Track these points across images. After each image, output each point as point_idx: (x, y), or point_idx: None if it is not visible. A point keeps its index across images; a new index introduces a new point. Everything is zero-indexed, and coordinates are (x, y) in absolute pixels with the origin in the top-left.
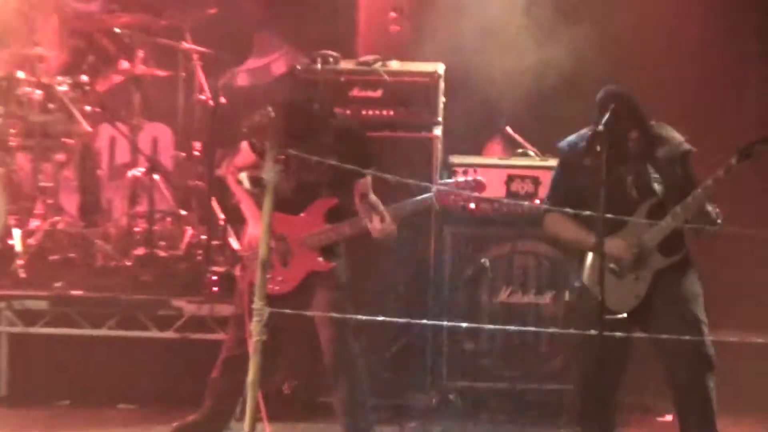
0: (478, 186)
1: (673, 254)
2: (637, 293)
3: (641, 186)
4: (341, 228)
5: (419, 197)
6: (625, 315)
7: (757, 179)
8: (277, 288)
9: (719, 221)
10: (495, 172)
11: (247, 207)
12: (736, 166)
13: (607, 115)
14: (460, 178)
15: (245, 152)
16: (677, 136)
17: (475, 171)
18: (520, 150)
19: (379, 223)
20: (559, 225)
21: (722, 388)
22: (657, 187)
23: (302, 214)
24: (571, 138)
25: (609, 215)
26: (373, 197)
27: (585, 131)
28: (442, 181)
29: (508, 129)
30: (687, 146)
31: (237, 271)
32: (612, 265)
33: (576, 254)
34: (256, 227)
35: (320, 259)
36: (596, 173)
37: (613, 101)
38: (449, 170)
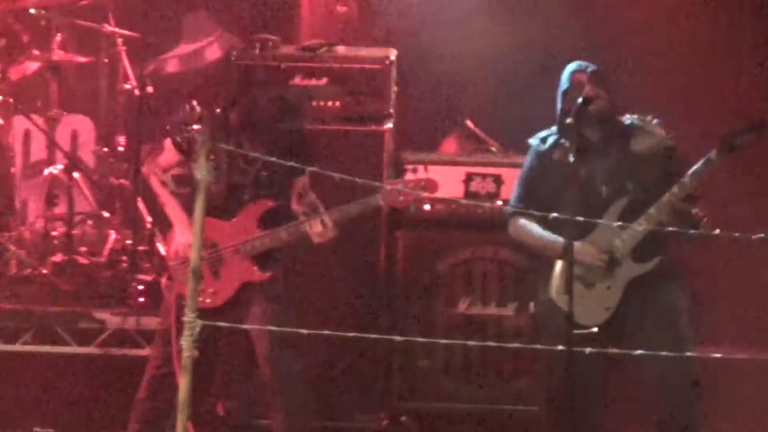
0: (430, 185)
1: (647, 261)
2: (607, 305)
3: (613, 184)
4: (277, 234)
5: (365, 199)
6: (595, 330)
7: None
8: (208, 301)
9: (702, 224)
10: (452, 170)
11: (172, 211)
12: (717, 160)
13: (578, 105)
14: (410, 177)
15: (169, 151)
16: (659, 131)
17: (425, 169)
18: (480, 146)
19: (318, 228)
20: (525, 229)
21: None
22: (630, 185)
23: (234, 219)
24: (542, 132)
25: (579, 218)
26: (312, 197)
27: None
28: (390, 181)
29: (468, 123)
30: (669, 141)
31: (162, 282)
32: (581, 273)
33: (543, 261)
34: (183, 233)
35: (255, 268)
36: (565, 169)
37: (580, 91)
38: (401, 167)
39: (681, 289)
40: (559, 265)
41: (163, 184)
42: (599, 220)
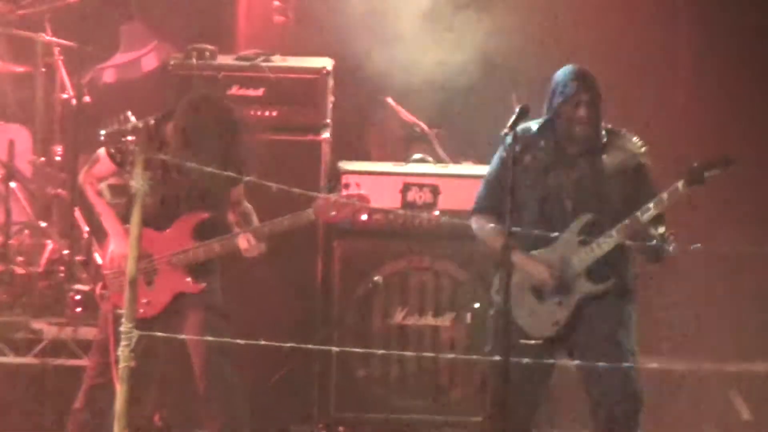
0: (362, 201)
1: (601, 281)
2: (556, 320)
3: (578, 198)
4: (210, 246)
5: (297, 213)
6: (540, 341)
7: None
8: (141, 311)
9: (670, 248)
10: (389, 180)
11: (108, 221)
12: (682, 191)
13: (515, 118)
14: (343, 192)
15: (104, 161)
16: (633, 147)
17: (357, 185)
18: (416, 155)
19: (246, 243)
20: (483, 228)
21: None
22: (595, 202)
23: (168, 230)
24: (517, 128)
25: (536, 231)
26: (246, 207)
27: (536, 121)
28: (323, 195)
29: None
30: (641, 159)
31: (97, 291)
32: (534, 285)
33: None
34: (118, 243)
35: (188, 279)
36: (533, 174)
37: (571, 86)
38: (337, 177)
39: (633, 302)
40: (517, 274)
41: (99, 193)
42: (558, 234)
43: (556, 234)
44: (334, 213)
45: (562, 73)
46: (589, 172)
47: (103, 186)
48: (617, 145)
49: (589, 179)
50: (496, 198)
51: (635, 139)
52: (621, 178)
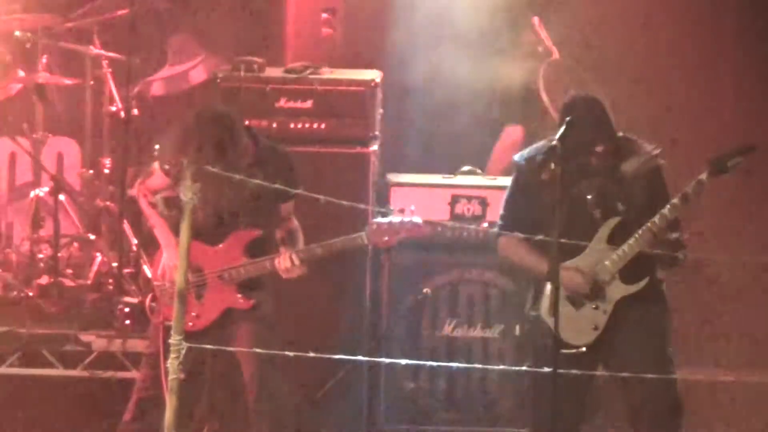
0: (414, 229)
1: (636, 282)
2: (595, 324)
3: (604, 204)
4: (262, 264)
5: (350, 236)
6: (583, 349)
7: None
8: (190, 324)
9: (681, 256)
10: (438, 192)
11: (161, 233)
12: (707, 182)
13: (564, 127)
14: (395, 219)
15: (158, 174)
16: (647, 149)
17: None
18: (465, 168)
19: (287, 263)
20: (512, 249)
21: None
22: (621, 205)
23: (220, 246)
24: (527, 150)
25: (563, 240)
26: (294, 224)
27: (543, 143)
28: (376, 220)
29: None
30: (657, 161)
31: (148, 304)
32: (569, 293)
33: (531, 282)
34: (171, 256)
35: (238, 295)
36: (554, 190)
37: (577, 110)
38: (386, 190)
39: (668, 309)
40: (548, 285)
41: (152, 205)
42: (588, 244)
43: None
44: (386, 238)
45: (570, 107)
46: (611, 179)
47: (158, 198)
48: (632, 150)
49: (611, 186)
50: (518, 218)
51: (647, 145)
52: (641, 181)
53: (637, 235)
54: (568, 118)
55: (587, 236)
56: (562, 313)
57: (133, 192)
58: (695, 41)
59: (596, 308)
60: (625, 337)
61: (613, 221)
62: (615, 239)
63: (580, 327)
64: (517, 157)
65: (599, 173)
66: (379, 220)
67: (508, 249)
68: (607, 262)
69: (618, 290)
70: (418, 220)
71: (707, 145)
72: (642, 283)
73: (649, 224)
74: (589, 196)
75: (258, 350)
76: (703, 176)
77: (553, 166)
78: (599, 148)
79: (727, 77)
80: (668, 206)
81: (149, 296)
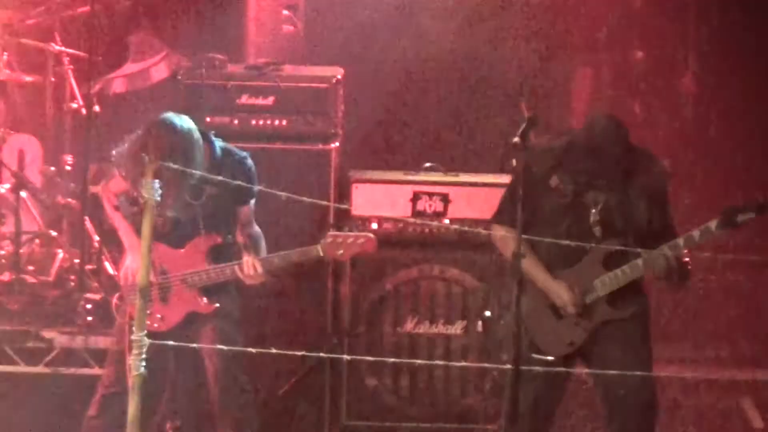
0: (369, 244)
1: (623, 308)
2: (572, 340)
3: (606, 222)
4: (223, 270)
5: (305, 248)
6: (551, 358)
7: None
8: (155, 325)
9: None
10: (400, 189)
11: (125, 235)
12: (715, 232)
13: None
14: (351, 233)
15: (118, 179)
16: (660, 168)
17: (368, 224)
18: (427, 164)
19: (250, 270)
20: (504, 244)
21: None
22: (622, 226)
23: (183, 250)
24: (543, 145)
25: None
26: (255, 230)
27: (557, 143)
28: (332, 233)
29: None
30: (666, 184)
31: (114, 303)
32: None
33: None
34: (134, 257)
35: (201, 299)
36: (562, 198)
37: (597, 122)
38: (347, 186)
39: (648, 311)
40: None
41: (116, 208)
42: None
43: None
44: (341, 252)
45: (592, 131)
46: (618, 195)
47: (121, 198)
48: (644, 165)
49: (616, 203)
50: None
51: (660, 161)
52: (647, 201)
53: (632, 264)
54: (528, 116)
55: (583, 250)
56: (542, 320)
57: (96, 189)
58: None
59: (577, 324)
60: (601, 350)
61: (612, 243)
62: (610, 261)
63: (556, 338)
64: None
65: (607, 186)
66: (335, 233)
67: (500, 242)
68: (597, 283)
69: (603, 313)
70: (371, 236)
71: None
72: (628, 311)
73: (660, 253)
74: (593, 210)
75: (220, 347)
76: (713, 225)
77: (570, 165)
78: (613, 160)
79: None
80: (671, 248)
81: (116, 296)
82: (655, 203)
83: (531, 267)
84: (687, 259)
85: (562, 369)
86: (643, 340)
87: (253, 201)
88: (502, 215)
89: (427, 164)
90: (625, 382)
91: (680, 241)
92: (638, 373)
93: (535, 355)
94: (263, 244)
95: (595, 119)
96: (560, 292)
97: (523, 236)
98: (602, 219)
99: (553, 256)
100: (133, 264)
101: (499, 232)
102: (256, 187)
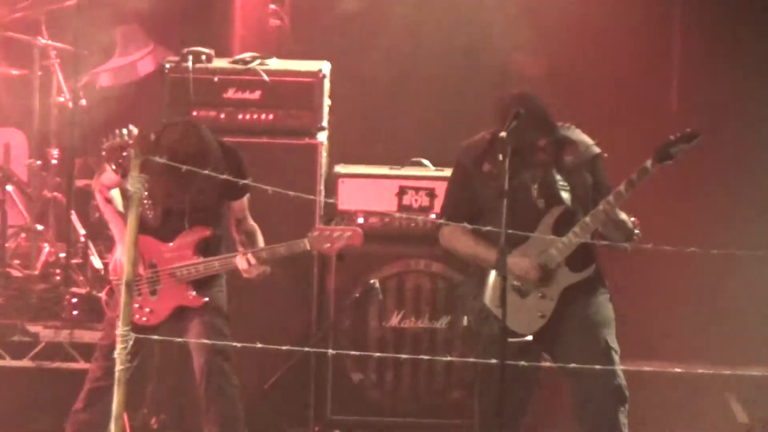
0: (355, 237)
1: (582, 269)
2: (542, 312)
3: (547, 194)
4: (211, 264)
5: (293, 242)
6: (530, 338)
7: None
8: (144, 319)
9: (636, 232)
10: (386, 183)
11: (116, 228)
12: (652, 170)
13: (511, 122)
14: (338, 228)
15: (109, 173)
16: (585, 140)
17: (355, 219)
18: (414, 159)
19: (245, 264)
20: (456, 239)
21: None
22: (564, 194)
23: (172, 243)
24: (468, 142)
25: (511, 231)
26: (251, 225)
27: (481, 135)
28: (319, 227)
29: None
30: (596, 149)
31: (104, 298)
32: (515, 283)
33: (476, 272)
34: (124, 250)
35: (191, 293)
36: (497, 181)
37: (519, 106)
38: (334, 180)
39: (610, 300)
40: (493, 274)
41: (108, 201)
42: (534, 234)
43: (530, 235)
44: (328, 245)
45: (515, 100)
46: (553, 168)
47: (114, 192)
48: (572, 139)
49: (554, 176)
50: (463, 208)
51: (585, 135)
52: (582, 171)
53: (581, 224)
54: (514, 111)
55: (531, 226)
56: (508, 302)
57: (92, 185)
58: (640, 32)
59: (543, 297)
60: (571, 326)
61: (557, 210)
62: (559, 228)
63: (527, 316)
64: (462, 144)
65: (541, 165)
66: (322, 226)
67: (453, 239)
68: (553, 250)
69: (565, 278)
70: (358, 230)
71: (654, 137)
72: (589, 270)
73: (603, 204)
74: (533, 186)
75: (205, 341)
76: (648, 163)
77: (501, 157)
78: (542, 141)
79: (672, 68)
80: (613, 193)
81: (105, 290)
82: (591, 172)
83: (486, 254)
84: (634, 219)
85: (544, 364)
86: (605, 299)
87: (247, 195)
88: (449, 214)
89: (414, 159)
90: (591, 355)
91: (621, 187)
92: (605, 367)
93: (512, 339)
94: (260, 238)
95: (512, 94)
96: (518, 262)
97: (470, 226)
98: (543, 192)
99: (509, 237)
100: (122, 256)
101: (453, 233)
102: (242, 181)
